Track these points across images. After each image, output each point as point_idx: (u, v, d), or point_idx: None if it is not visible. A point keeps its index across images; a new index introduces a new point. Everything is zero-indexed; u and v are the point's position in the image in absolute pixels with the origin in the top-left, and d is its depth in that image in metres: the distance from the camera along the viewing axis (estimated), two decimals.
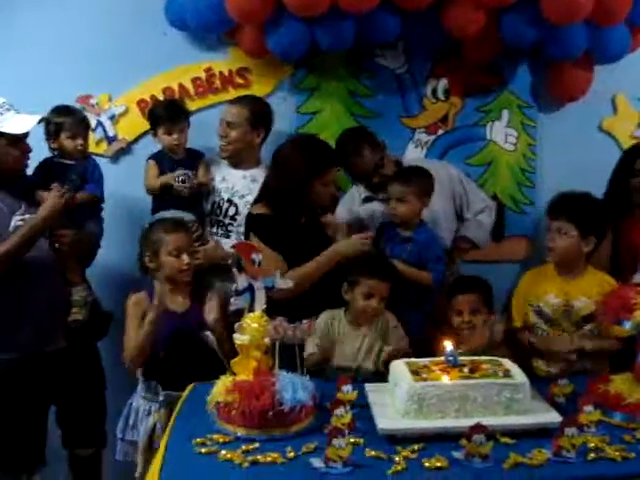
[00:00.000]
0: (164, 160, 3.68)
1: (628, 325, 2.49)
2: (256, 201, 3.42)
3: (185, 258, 3.11)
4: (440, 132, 4.15)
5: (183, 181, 3.65)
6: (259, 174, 3.68)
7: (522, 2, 3.52)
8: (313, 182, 3.22)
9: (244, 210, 3.63)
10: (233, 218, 3.70)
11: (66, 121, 3.44)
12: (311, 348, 2.92)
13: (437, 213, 3.57)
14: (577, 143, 4.10)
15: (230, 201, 3.71)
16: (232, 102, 3.77)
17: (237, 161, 3.75)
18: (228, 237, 3.69)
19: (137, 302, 3.10)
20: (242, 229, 3.59)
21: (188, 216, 3.55)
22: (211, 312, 3.05)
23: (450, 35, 3.71)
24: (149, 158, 3.70)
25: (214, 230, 3.73)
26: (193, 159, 3.75)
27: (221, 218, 3.73)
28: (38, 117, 3.19)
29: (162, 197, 3.67)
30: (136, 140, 4.02)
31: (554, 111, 4.17)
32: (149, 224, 3.27)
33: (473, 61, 3.94)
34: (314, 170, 3.21)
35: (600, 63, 3.96)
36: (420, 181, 3.37)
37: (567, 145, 4.11)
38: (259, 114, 3.70)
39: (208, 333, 2.59)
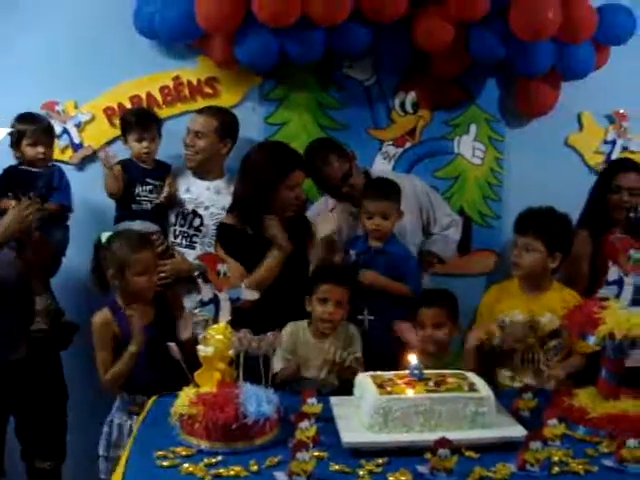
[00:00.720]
0: (132, 168, 3.64)
1: (592, 340, 2.50)
2: (228, 210, 3.41)
3: (154, 278, 3.05)
4: (408, 145, 4.16)
5: (151, 191, 3.62)
6: (223, 185, 3.68)
7: (491, 18, 3.57)
8: (279, 186, 3.21)
9: (209, 221, 3.62)
10: (198, 229, 3.67)
11: (28, 128, 3.41)
12: (281, 363, 2.93)
13: (403, 226, 3.55)
14: (543, 158, 4.14)
15: (195, 212, 3.68)
16: (200, 112, 3.74)
17: (202, 172, 3.72)
18: (193, 248, 3.65)
19: (103, 323, 2.97)
20: (207, 240, 3.59)
21: (152, 227, 3.52)
22: (185, 330, 2.96)
23: (419, 48, 3.73)
24: (117, 163, 3.63)
25: (178, 241, 3.69)
26: (161, 170, 3.71)
27: (186, 229, 3.69)
28: (8, 129, 3.17)
29: (126, 206, 3.63)
30: (102, 147, 3.96)
31: (521, 126, 4.20)
32: (108, 238, 3.13)
33: (441, 75, 3.96)
34: (279, 172, 3.21)
35: (566, 80, 4.00)
36: (396, 194, 3.38)
37: (534, 160, 4.14)
38: (227, 125, 3.69)
39: (172, 344, 2.55)
